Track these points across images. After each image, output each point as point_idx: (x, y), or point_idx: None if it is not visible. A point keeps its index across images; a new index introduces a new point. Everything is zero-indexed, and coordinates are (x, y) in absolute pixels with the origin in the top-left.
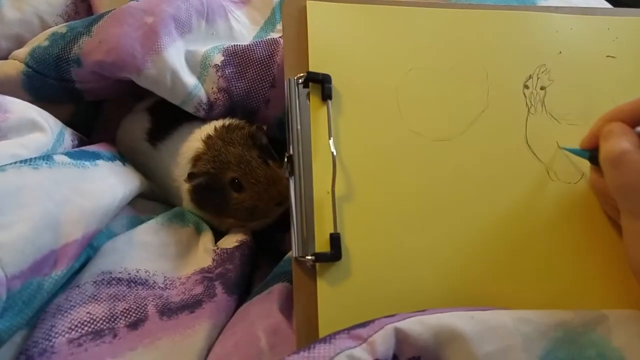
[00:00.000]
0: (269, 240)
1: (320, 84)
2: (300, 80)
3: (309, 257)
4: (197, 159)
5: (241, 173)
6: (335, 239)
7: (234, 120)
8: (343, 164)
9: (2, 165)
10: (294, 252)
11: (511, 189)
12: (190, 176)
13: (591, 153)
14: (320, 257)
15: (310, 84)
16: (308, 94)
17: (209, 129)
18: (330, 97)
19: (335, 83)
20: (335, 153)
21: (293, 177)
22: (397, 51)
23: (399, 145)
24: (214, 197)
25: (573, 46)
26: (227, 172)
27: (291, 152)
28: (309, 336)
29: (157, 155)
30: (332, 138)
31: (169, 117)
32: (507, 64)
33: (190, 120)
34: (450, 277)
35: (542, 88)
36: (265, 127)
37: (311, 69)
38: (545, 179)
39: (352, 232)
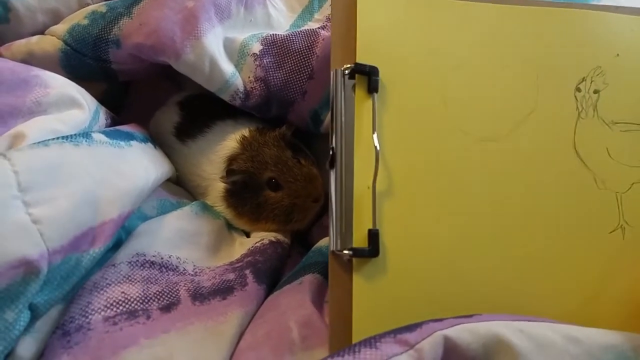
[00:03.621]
0: (299, 231)
1: (367, 76)
2: (346, 72)
3: (346, 252)
4: (233, 158)
5: (278, 173)
6: (373, 235)
7: (264, 125)
8: (385, 159)
9: (45, 140)
10: (331, 246)
11: (556, 195)
12: (229, 173)
13: None
14: (357, 253)
15: (356, 75)
16: (354, 86)
17: (242, 130)
18: (376, 90)
19: (382, 76)
20: (378, 148)
21: (334, 170)
22: (446, 45)
23: (444, 143)
24: (250, 198)
25: (632, 49)
26: (265, 172)
27: (334, 144)
28: (343, 331)
29: (187, 152)
30: (375, 133)
31: (200, 113)
32: (560, 65)
33: (223, 119)
34: (489, 282)
35: (595, 92)
36: (293, 127)
37: (358, 60)
38: (591, 187)
39: (391, 229)
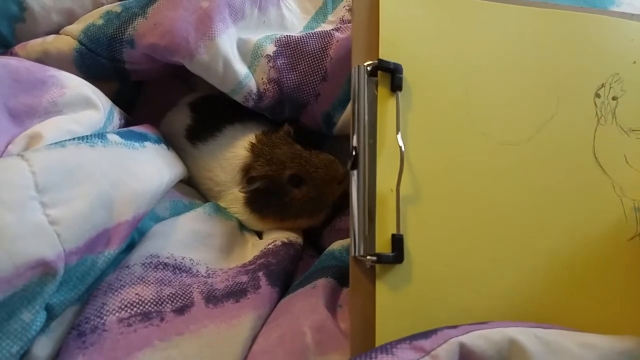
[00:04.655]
0: (310, 234)
1: (391, 74)
2: (369, 68)
3: (370, 258)
4: (249, 167)
5: (298, 167)
6: (398, 241)
7: (266, 127)
8: (409, 161)
9: (62, 141)
10: (352, 251)
11: (576, 201)
12: (250, 181)
13: None
14: (382, 259)
15: (378, 72)
16: (376, 84)
17: (249, 136)
18: (400, 89)
19: (405, 74)
20: (403, 148)
21: (356, 171)
22: (469, 47)
23: (467, 146)
24: (275, 199)
25: None
26: (284, 171)
27: (356, 144)
28: (364, 339)
29: (197, 155)
30: (400, 132)
31: (211, 115)
32: (579, 70)
33: (232, 123)
34: (512, 289)
35: (614, 98)
36: (294, 125)
37: (381, 57)
38: (610, 194)
39: (414, 234)
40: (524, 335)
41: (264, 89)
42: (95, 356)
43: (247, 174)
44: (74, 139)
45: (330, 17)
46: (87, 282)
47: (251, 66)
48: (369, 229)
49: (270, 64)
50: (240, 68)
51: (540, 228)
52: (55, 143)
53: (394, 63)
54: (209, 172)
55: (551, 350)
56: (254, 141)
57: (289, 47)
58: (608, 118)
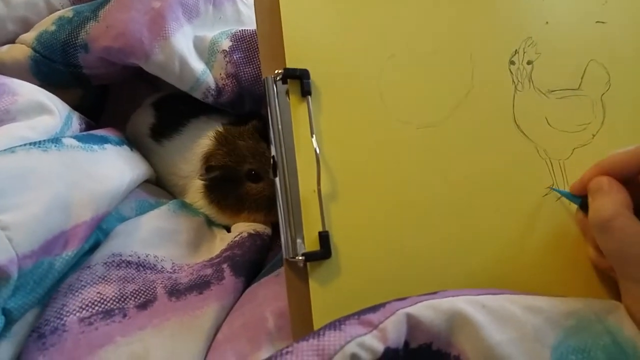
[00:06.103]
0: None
1: (299, 80)
2: (277, 78)
3: (299, 258)
4: (210, 155)
5: (257, 164)
6: (324, 237)
7: (236, 119)
8: (327, 160)
9: (12, 147)
10: (284, 254)
11: (501, 170)
12: (208, 169)
13: (583, 200)
14: (310, 257)
15: (288, 80)
16: (287, 91)
17: (216, 126)
18: (309, 93)
19: (314, 77)
20: (318, 150)
21: (277, 178)
22: (376, 37)
23: (383, 136)
24: (231, 191)
25: (560, 15)
26: (244, 165)
27: (274, 152)
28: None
29: (163, 152)
30: (314, 135)
31: (174, 113)
32: (491, 41)
33: (197, 116)
34: (442, 270)
35: (528, 62)
36: (264, 119)
37: (288, 65)
38: (534, 158)
39: (341, 229)
40: (471, 304)
41: (223, 84)
42: (56, 357)
43: (207, 162)
44: (25, 144)
45: None
46: (45, 284)
47: (208, 62)
48: (296, 231)
49: (227, 59)
50: (197, 65)
51: (468, 200)
52: (5, 149)
53: (299, 69)
54: (173, 168)
55: (497, 318)
56: (220, 130)
57: (244, 41)
58: (525, 83)
